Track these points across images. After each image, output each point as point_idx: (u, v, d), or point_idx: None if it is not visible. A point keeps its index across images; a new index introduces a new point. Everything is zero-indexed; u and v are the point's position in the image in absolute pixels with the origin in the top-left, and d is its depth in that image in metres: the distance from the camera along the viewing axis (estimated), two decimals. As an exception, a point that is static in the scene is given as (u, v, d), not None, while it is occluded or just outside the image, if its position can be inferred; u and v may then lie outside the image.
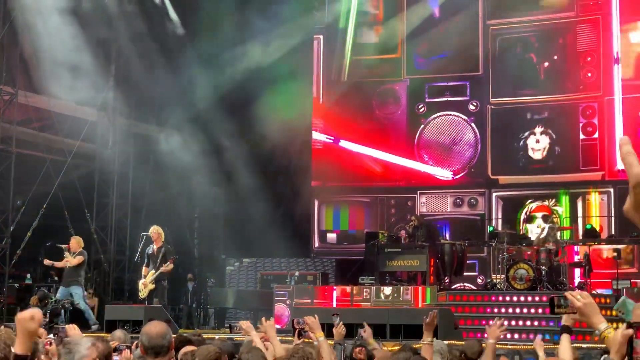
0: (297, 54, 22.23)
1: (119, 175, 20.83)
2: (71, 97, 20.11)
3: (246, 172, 21.33)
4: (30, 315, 3.36)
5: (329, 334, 6.79)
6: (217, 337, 12.30)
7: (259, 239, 22.12)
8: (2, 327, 7.85)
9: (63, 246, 16.03)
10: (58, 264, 15.86)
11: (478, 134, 21.90)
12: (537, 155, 21.41)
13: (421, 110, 22.52)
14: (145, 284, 15.49)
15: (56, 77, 18.75)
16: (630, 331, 3.31)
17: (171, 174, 22.70)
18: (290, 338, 12.29)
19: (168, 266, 15.33)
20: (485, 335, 6.26)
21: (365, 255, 20.00)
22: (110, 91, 21.12)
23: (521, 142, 21.54)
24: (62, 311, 16.08)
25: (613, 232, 19.92)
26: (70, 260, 15.50)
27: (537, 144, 21.37)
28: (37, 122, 19.01)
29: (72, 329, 5.87)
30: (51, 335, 7.12)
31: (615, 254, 17.96)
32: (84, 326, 14.96)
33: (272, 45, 21.75)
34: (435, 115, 22.36)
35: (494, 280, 17.50)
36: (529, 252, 16.59)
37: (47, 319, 15.89)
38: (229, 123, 21.77)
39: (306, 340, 6.91)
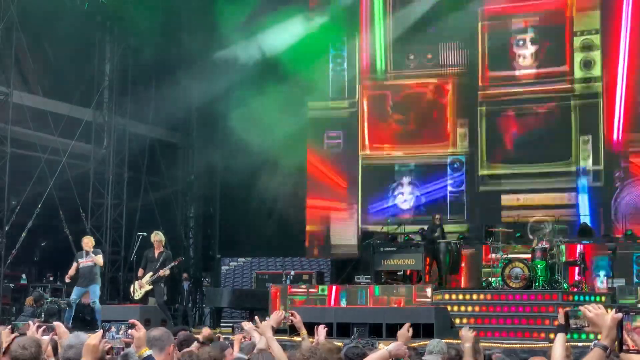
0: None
1: (114, 175, 20.81)
2: (66, 97, 20.11)
3: (240, 171, 21.30)
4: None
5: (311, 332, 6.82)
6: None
7: (254, 239, 22.13)
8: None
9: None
10: (72, 270, 15.68)
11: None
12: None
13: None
14: (142, 284, 15.49)
15: (51, 77, 18.73)
16: (620, 315, 3.46)
17: (166, 174, 22.71)
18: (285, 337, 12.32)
19: (166, 271, 15.37)
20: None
21: (360, 254, 20.01)
22: (106, 90, 21.10)
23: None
24: (59, 311, 16.06)
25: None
26: (95, 260, 15.38)
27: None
28: (32, 122, 18.97)
29: (59, 327, 5.89)
30: (47, 337, 7.10)
31: (610, 252, 17.94)
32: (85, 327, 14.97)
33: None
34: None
35: (490, 279, 17.52)
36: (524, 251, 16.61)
37: (43, 319, 15.88)
38: (223, 123, 21.76)
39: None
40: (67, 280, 15.97)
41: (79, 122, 20.06)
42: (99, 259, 15.47)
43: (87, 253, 15.41)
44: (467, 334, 6.36)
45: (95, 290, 15.36)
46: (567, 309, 3.92)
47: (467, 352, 6.29)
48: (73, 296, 15.39)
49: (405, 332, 6.15)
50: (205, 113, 22.90)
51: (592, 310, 3.69)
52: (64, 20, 18.90)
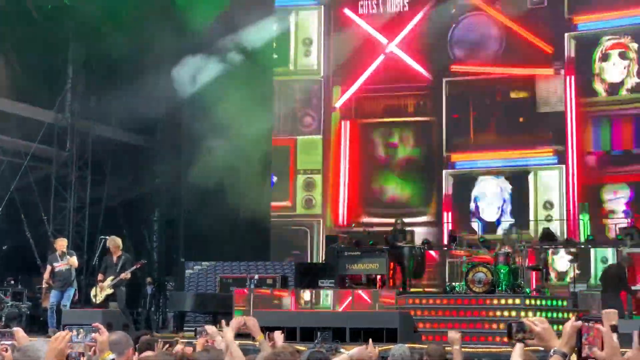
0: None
1: (76, 178, 20.63)
2: (28, 99, 19.93)
3: (205, 174, 21.22)
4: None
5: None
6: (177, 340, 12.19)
7: (218, 242, 22.03)
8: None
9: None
10: (47, 274, 15.47)
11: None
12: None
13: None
14: (103, 287, 15.34)
15: (14, 79, 18.55)
16: (580, 323, 3.49)
17: (129, 177, 22.55)
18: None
19: (127, 274, 15.24)
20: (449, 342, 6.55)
21: (325, 258, 19.98)
22: (69, 93, 20.94)
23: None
24: (19, 315, 15.89)
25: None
26: (71, 262, 15.22)
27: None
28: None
29: (18, 332, 5.83)
30: (8, 342, 7.03)
31: (571, 257, 18.10)
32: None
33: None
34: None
35: (454, 284, 17.59)
36: (487, 256, 16.69)
37: (3, 323, 15.71)
38: (189, 126, 21.69)
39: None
40: (44, 285, 15.74)
41: (41, 125, 19.88)
42: (74, 261, 15.33)
43: (63, 255, 15.24)
44: (453, 336, 6.42)
45: (70, 294, 15.23)
46: (512, 320, 3.92)
47: (455, 353, 6.35)
48: (52, 300, 15.17)
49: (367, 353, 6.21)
50: (171, 116, 22.78)
51: (539, 325, 3.69)
52: (27, 22, 18.73)
